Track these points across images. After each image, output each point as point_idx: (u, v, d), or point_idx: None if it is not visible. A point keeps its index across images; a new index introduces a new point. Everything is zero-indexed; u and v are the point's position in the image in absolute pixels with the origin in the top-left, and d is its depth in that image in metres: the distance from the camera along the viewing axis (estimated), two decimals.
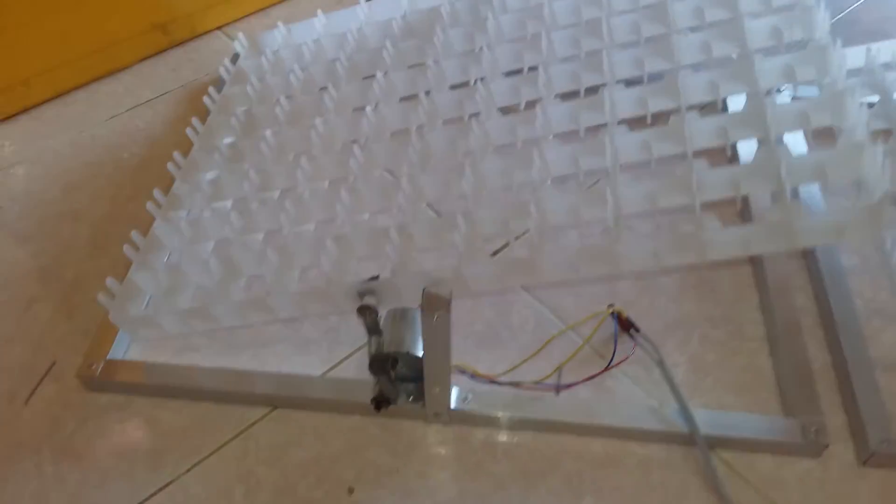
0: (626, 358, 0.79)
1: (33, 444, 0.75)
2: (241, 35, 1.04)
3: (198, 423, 0.75)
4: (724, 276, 0.87)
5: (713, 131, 0.69)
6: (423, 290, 0.63)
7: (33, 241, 0.93)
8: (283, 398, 0.76)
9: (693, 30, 0.81)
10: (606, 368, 0.78)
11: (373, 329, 0.68)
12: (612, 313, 0.80)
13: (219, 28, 1.24)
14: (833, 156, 0.62)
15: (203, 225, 0.80)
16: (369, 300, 0.66)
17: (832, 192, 0.90)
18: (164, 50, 1.20)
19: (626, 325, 0.80)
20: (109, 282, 0.75)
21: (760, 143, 0.67)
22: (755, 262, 0.88)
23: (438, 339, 0.65)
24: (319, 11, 1.03)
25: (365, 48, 0.97)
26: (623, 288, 0.86)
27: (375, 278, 0.68)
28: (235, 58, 1.06)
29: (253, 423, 0.76)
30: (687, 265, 0.88)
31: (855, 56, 0.85)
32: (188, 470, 0.72)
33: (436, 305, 0.62)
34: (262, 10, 1.28)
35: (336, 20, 1.03)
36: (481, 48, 0.87)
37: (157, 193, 0.84)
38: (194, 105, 1.10)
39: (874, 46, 0.85)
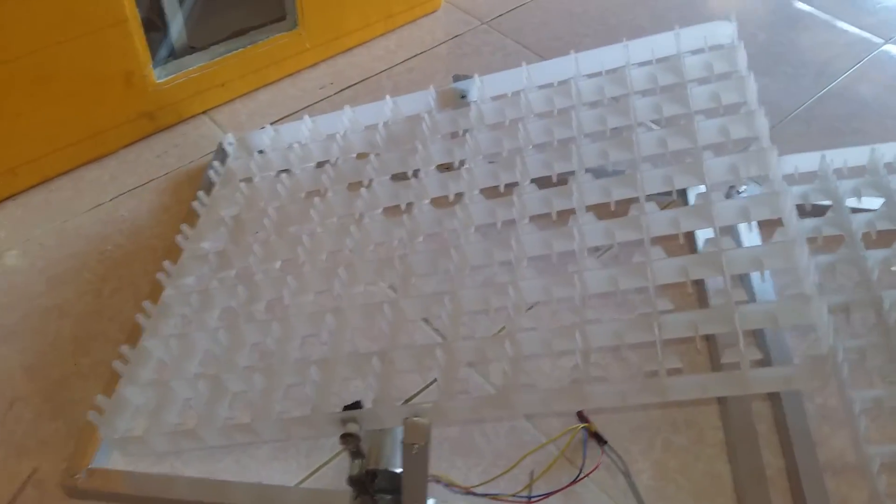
0: (595, 468, 0.83)
1: None
2: (230, 135, 1.08)
3: None
4: None
5: (668, 221, 0.77)
6: (405, 421, 0.67)
7: (19, 336, 0.95)
8: None
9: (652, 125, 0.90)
10: (575, 481, 0.81)
11: (356, 454, 0.71)
12: (584, 428, 0.84)
13: (204, 112, 1.28)
14: (783, 308, 0.68)
15: (191, 340, 0.82)
16: (352, 428, 0.70)
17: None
18: (150, 135, 1.22)
19: (595, 437, 0.84)
20: (99, 398, 0.77)
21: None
22: (716, 366, 0.93)
23: (418, 467, 0.68)
24: (307, 116, 1.07)
25: (349, 157, 1.01)
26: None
27: (357, 404, 0.71)
28: (222, 154, 1.09)
29: None
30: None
31: (809, 161, 0.92)
32: None
33: (416, 436, 0.66)
34: (246, 94, 1.32)
35: (322, 123, 1.07)
36: (461, 162, 0.92)
37: (147, 304, 0.87)
38: (180, 193, 1.13)
39: (828, 154, 0.92)
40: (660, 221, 0.80)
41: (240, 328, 0.81)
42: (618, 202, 0.85)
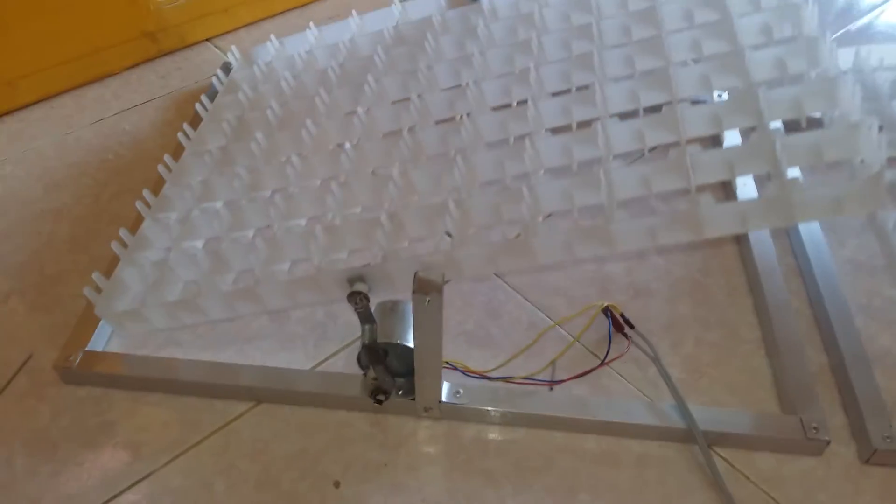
0: (621, 355, 0.77)
1: (3, 437, 0.71)
2: (233, 48, 1.04)
3: (178, 416, 0.72)
4: (718, 282, 0.87)
5: (707, 120, 0.69)
6: (416, 273, 0.62)
7: (11, 237, 0.91)
8: (268, 392, 0.73)
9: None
10: (602, 364, 0.76)
11: (365, 317, 0.66)
12: (606, 310, 0.78)
13: (208, 39, 1.24)
14: (829, 135, 0.62)
15: (192, 223, 0.78)
16: (360, 287, 0.65)
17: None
18: (154, 58, 1.19)
19: (619, 323, 0.79)
20: (95, 276, 0.73)
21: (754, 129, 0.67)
22: (749, 268, 0.87)
23: (430, 324, 0.63)
24: (312, 24, 1.03)
25: (357, 56, 0.97)
26: (616, 292, 0.85)
27: (367, 266, 0.66)
28: (227, 68, 1.06)
29: (236, 418, 0.73)
30: (685, 244, 0.88)
31: (844, 57, 0.85)
32: (167, 463, 0.69)
33: (428, 288, 0.61)
34: (252, 23, 1.28)
35: (328, 32, 1.03)
36: (472, 54, 0.87)
37: (146, 193, 0.82)
38: (182, 110, 1.09)
39: (864, 48, 0.86)
40: (697, 120, 0.69)
41: (242, 210, 0.76)
42: (646, 108, 0.75)
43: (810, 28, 0.72)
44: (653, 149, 0.71)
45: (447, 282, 0.63)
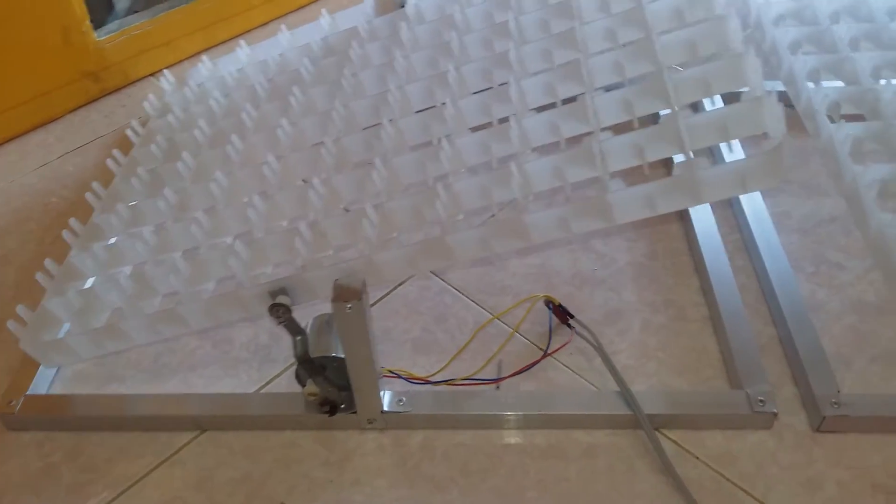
0: (564, 345, 0.77)
1: None
2: (166, 72, 1.04)
3: (122, 452, 0.72)
4: (664, 264, 0.86)
5: (619, 106, 0.69)
6: (335, 281, 0.62)
7: None
8: (212, 419, 0.73)
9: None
10: (544, 356, 0.75)
11: (292, 329, 0.66)
12: (547, 302, 0.78)
13: (152, 74, 1.24)
14: (734, 111, 0.61)
15: (120, 249, 0.78)
16: (281, 299, 0.64)
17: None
18: (97, 98, 1.19)
19: (560, 314, 0.78)
20: (20, 309, 0.72)
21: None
22: (693, 247, 0.87)
23: (356, 332, 0.62)
24: (242, 42, 1.03)
25: (285, 70, 0.97)
26: (561, 285, 0.85)
27: (286, 278, 0.65)
28: (160, 93, 1.06)
29: (180, 448, 0.72)
30: (631, 228, 0.89)
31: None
32: (111, 501, 0.69)
33: (347, 296, 0.60)
34: (195, 55, 1.28)
35: (259, 49, 1.03)
36: (396, 59, 0.87)
37: (73, 222, 0.82)
38: (126, 147, 1.09)
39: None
40: (608, 108, 0.69)
41: (169, 232, 0.76)
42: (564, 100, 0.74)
43: (719, 7, 0.72)
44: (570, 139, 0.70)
45: (367, 288, 0.62)
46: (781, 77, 0.83)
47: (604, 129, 0.67)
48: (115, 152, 0.91)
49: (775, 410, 0.69)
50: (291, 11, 1.38)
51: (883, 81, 0.79)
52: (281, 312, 0.64)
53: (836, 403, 0.69)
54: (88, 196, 0.86)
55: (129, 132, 0.94)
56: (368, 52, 0.92)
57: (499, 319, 0.81)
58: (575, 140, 0.69)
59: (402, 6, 1.01)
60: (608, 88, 0.72)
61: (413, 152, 0.75)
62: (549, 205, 0.63)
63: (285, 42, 1.01)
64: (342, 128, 0.82)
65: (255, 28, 1.34)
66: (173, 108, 0.96)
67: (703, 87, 0.67)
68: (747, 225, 0.87)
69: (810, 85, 0.81)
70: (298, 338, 0.66)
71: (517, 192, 0.64)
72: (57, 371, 0.79)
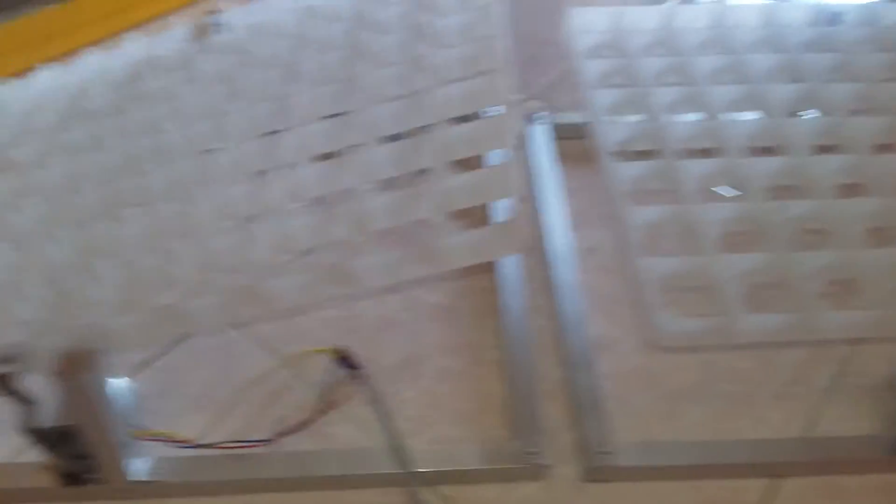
0: (350, 399, 0.74)
1: None
2: None
3: None
4: (469, 304, 0.84)
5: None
6: (60, 353, 0.57)
7: None
8: None
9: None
10: (320, 413, 0.72)
11: (21, 399, 0.60)
12: (334, 352, 0.75)
13: None
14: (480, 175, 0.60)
15: None
16: (4, 368, 0.59)
17: None
18: None
19: (348, 365, 0.75)
20: None
21: None
22: (500, 286, 0.85)
23: (88, 405, 0.58)
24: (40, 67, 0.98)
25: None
26: (363, 329, 0.82)
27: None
28: None
29: None
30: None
31: None
32: None
33: (75, 368, 0.56)
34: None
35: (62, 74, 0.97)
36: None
37: None
38: None
39: None
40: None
41: None
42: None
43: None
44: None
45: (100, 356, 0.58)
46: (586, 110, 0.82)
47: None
48: None
49: (546, 462, 0.68)
50: (127, 29, 1.31)
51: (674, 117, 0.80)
52: (5, 383, 0.59)
53: (603, 453, 0.68)
54: None
55: None
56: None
57: (286, 371, 0.78)
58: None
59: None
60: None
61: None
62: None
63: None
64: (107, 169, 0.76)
65: (82, 47, 1.27)
66: None
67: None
68: (552, 261, 0.86)
69: (605, 119, 0.81)
70: (25, 408, 0.61)
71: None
72: None
